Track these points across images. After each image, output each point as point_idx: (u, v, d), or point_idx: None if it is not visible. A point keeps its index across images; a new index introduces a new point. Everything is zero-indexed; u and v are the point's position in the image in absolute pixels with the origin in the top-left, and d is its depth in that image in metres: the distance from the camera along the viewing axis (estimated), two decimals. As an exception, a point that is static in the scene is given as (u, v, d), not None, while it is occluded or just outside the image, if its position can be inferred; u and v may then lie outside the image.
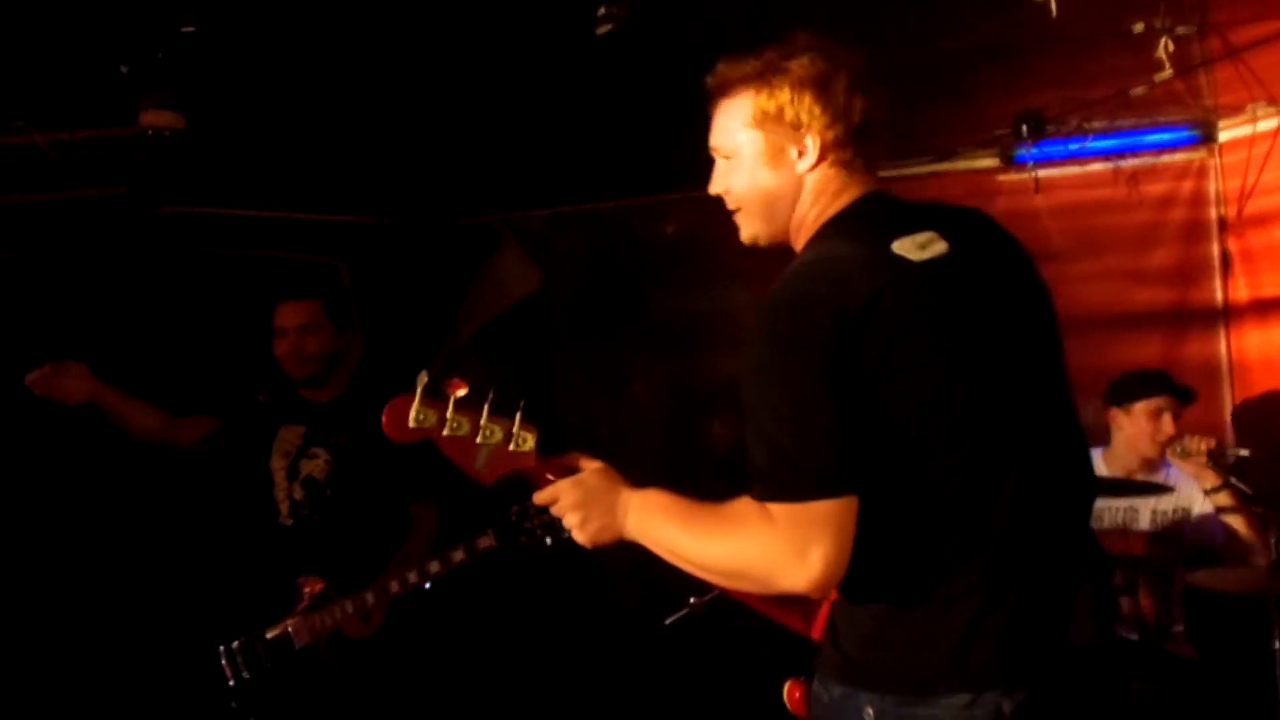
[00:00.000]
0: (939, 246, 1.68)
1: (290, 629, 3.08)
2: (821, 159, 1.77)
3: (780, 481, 1.57)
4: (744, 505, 1.62)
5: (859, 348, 1.57)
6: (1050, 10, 2.54)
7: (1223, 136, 4.04)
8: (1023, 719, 1.61)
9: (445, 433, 1.81)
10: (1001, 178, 4.27)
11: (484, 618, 4.48)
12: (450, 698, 4.15)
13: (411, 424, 1.80)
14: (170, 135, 2.78)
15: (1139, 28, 2.88)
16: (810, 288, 1.63)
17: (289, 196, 4.53)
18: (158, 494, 3.97)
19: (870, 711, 1.65)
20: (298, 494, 3.31)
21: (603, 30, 2.56)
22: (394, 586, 3.14)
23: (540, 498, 1.86)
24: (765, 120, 1.78)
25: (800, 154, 1.78)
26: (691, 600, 3.35)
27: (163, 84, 2.72)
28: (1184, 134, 4.08)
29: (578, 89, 3.44)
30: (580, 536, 1.83)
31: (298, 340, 3.34)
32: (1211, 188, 4.08)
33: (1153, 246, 4.14)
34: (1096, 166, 4.17)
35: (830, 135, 1.76)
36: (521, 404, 1.85)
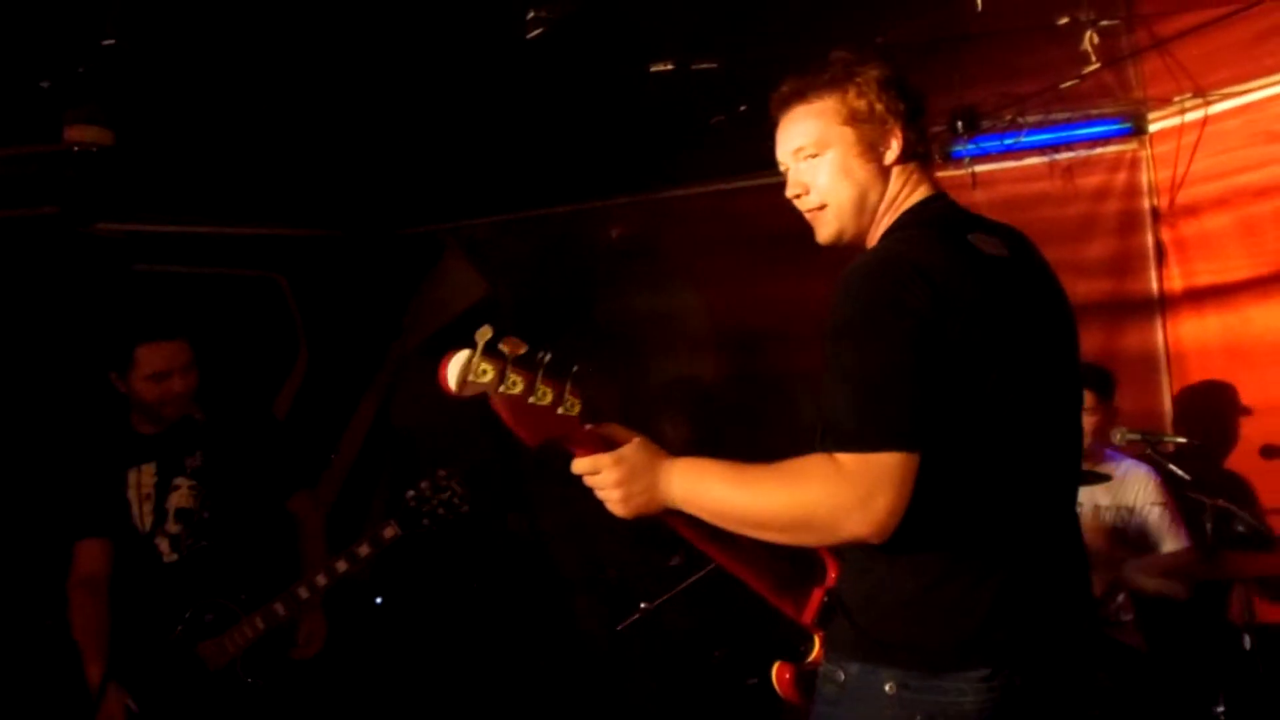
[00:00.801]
0: (1002, 250, 1.84)
1: (202, 654, 3.05)
2: (905, 152, 1.91)
3: (857, 432, 1.65)
4: (809, 459, 1.71)
5: (944, 321, 1.68)
6: (976, 4, 2.57)
7: (1153, 128, 4.11)
8: (1032, 694, 1.71)
9: (501, 389, 1.81)
10: (939, 174, 4.29)
11: (429, 625, 4.45)
12: (384, 708, 4.11)
13: (471, 377, 1.78)
14: (98, 151, 2.72)
15: (1064, 21, 2.92)
16: (905, 258, 1.74)
17: (227, 210, 4.47)
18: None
19: (891, 687, 1.72)
20: (174, 528, 3.16)
21: (532, 34, 2.56)
22: (303, 592, 3.11)
23: (579, 466, 1.89)
24: (856, 117, 1.90)
25: (887, 148, 1.91)
26: (642, 605, 3.37)
27: (85, 99, 2.67)
28: (1116, 126, 4.15)
29: (516, 96, 3.42)
30: (620, 510, 1.87)
31: (185, 379, 3.13)
32: (1144, 179, 4.15)
33: (1089, 238, 4.20)
34: (1032, 160, 4.23)
35: (908, 132, 1.91)
36: (573, 370, 1.86)
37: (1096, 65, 3.01)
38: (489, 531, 3.25)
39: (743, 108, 3.35)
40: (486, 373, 1.79)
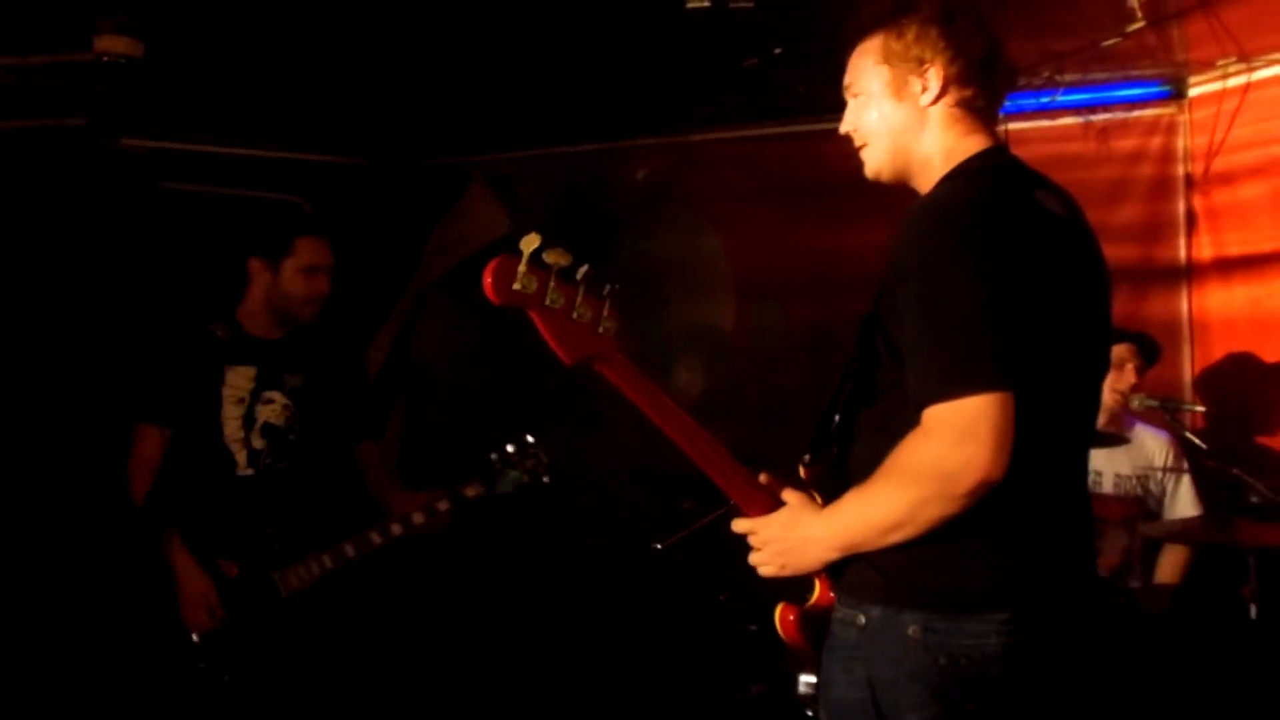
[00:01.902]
0: (1061, 209, 1.82)
1: (276, 578, 3.04)
2: (943, 94, 1.88)
3: (939, 381, 1.63)
4: (902, 446, 1.68)
5: (1010, 262, 1.66)
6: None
7: (1193, 92, 4.03)
8: (1051, 640, 1.74)
9: (545, 302, 1.79)
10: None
11: (448, 568, 4.49)
12: (418, 655, 4.15)
13: (516, 286, 1.76)
14: (127, 63, 2.70)
15: (1111, -26, 2.86)
16: (967, 198, 1.74)
17: (253, 132, 4.46)
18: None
19: (915, 630, 1.73)
20: (257, 443, 3.13)
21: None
22: (375, 538, 3.07)
23: (740, 527, 1.90)
24: (891, 55, 1.90)
25: (924, 88, 1.89)
26: (656, 545, 3.40)
27: (116, 7, 2.65)
28: (1155, 89, 4.08)
29: (550, 28, 3.38)
30: (768, 573, 1.87)
31: (326, 280, 3.14)
32: (1180, 144, 4.08)
33: (1120, 202, 4.14)
34: (1066, 120, 4.17)
35: (953, 70, 1.87)
36: (610, 289, 1.86)
37: (1141, 24, 2.95)
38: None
39: (777, 50, 3.30)
40: (530, 284, 1.77)
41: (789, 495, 1.88)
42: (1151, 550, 3.60)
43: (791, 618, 1.99)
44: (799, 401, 4.19)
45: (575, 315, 1.82)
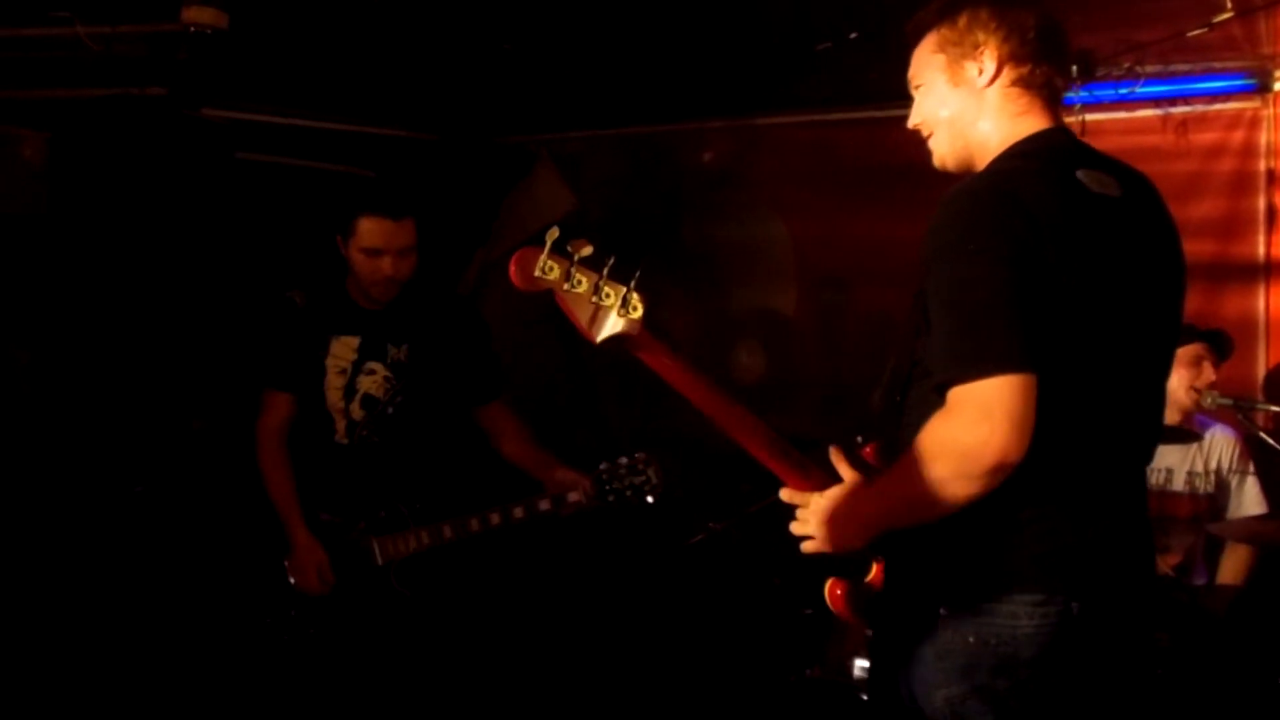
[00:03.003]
0: (1113, 189, 1.81)
1: (375, 544, 3.07)
2: (998, 74, 1.88)
3: (958, 362, 1.65)
4: (927, 426, 1.69)
5: (1041, 247, 1.67)
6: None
7: (1278, 85, 3.93)
8: (1091, 625, 1.72)
9: (566, 287, 1.86)
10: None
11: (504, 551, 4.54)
12: (488, 638, 4.19)
13: (537, 273, 1.85)
14: (212, 34, 2.77)
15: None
16: (1004, 187, 1.74)
17: (329, 105, 4.53)
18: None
19: (945, 609, 1.75)
20: (356, 413, 3.13)
21: None
22: (474, 524, 3.07)
23: (787, 496, 1.93)
24: (946, 43, 1.92)
25: (980, 70, 1.89)
26: (711, 525, 3.41)
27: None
28: (1239, 82, 3.97)
29: (624, 11, 3.39)
30: (810, 548, 1.89)
31: (397, 263, 3.04)
32: (1263, 139, 3.98)
33: (1197, 197, 4.05)
34: (1145, 112, 4.08)
35: (1007, 49, 1.88)
36: (637, 273, 1.90)
37: (1229, 14, 2.88)
38: (559, 447, 3.28)
39: (853, 35, 3.27)
40: (553, 270, 1.85)
41: (844, 470, 1.89)
42: (1216, 549, 3.55)
43: (839, 591, 2.02)
44: (861, 389, 4.17)
45: (599, 298, 1.87)
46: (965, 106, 1.91)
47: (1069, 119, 4.03)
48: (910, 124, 2.02)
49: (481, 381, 3.29)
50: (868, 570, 2.00)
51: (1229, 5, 2.85)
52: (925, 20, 1.97)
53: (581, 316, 1.89)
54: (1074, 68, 3.72)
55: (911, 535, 1.78)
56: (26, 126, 3.96)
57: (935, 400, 1.72)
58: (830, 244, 4.66)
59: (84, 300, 3.94)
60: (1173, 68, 3.88)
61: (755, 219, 4.73)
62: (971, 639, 1.72)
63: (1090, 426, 1.75)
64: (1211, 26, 3.14)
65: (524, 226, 5.04)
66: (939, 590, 1.77)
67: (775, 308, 4.83)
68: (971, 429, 1.62)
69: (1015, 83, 1.89)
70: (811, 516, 1.88)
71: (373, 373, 3.13)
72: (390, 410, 3.14)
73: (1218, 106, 4.03)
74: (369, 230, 3.03)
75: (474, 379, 3.27)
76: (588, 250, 1.87)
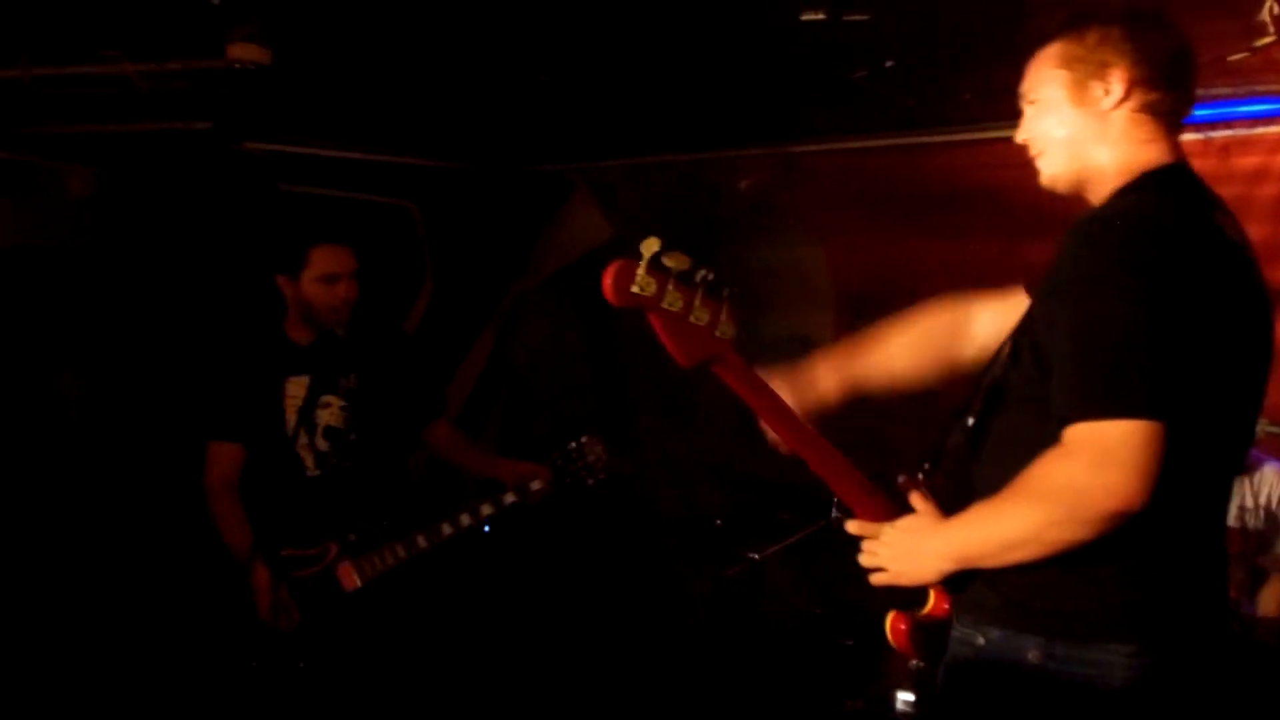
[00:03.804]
0: (1238, 235, 1.76)
1: (338, 573, 3.12)
2: (1127, 97, 1.78)
3: (1091, 399, 1.56)
4: (1038, 462, 1.61)
5: (1185, 293, 1.60)
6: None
7: (1322, 110, 3.89)
8: (1185, 678, 1.67)
9: (663, 305, 1.78)
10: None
11: (529, 569, 4.55)
12: (497, 647, 4.21)
13: (635, 289, 1.74)
14: (256, 70, 2.81)
15: (1247, -12, 2.77)
16: (1150, 223, 1.65)
17: (366, 137, 4.58)
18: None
19: (1035, 655, 1.68)
20: (322, 445, 3.24)
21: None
22: (446, 528, 3.16)
23: (855, 529, 1.88)
24: (1072, 59, 1.82)
25: (1106, 91, 1.79)
26: (752, 555, 3.40)
27: (250, 17, 2.76)
28: (1281, 105, 3.94)
29: (659, 40, 3.41)
30: (884, 580, 1.84)
31: (350, 287, 3.20)
32: (1307, 163, 3.94)
33: (1240, 222, 4.01)
34: (1187, 136, 4.02)
35: (1137, 73, 1.78)
36: (728, 292, 1.84)
37: (1271, 39, 2.85)
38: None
39: (889, 63, 3.27)
40: (649, 286, 1.75)
41: (918, 502, 1.83)
42: (1257, 581, 3.49)
43: (903, 627, 1.94)
44: (893, 417, 4.14)
45: (693, 318, 1.80)
46: (1085, 128, 1.81)
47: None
48: (1018, 139, 1.93)
49: (427, 401, 3.44)
50: (925, 602, 1.95)
51: (1271, 30, 2.82)
52: (1049, 32, 1.87)
53: (674, 338, 1.80)
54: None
55: (995, 573, 1.72)
56: (75, 160, 4.05)
57: (1029, 434, 1.66)
58: (867, 270, 4.64)
59: (130, 328, 4.01)
60: (1214, 91, 3.84)
61: (792, 246, 4.73)
62: (1063, 687, 1.66)
63: (1199, 477, 1.69)
64: (1254, 51, 3.11)
65: (560, 255, 5.07)
66: (1026, 633, 1.70)
67: (813, 334, 4.81)
68: (1095, 472, 1.54)
69: (1142, 109, 1.79)
70: (883, 549, 1.83)
71: (328, 405, 3.24)
72: (353, 436, 3.24)
73: (1260, 130, 3.98)
74: (324, 258, 3.17)
75: (419, 399, 3.41)
76: (686, 264, 1.78)
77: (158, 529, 3.88)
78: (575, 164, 5.16)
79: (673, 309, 1.79)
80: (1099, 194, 1.83)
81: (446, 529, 3.17)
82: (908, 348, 2.22)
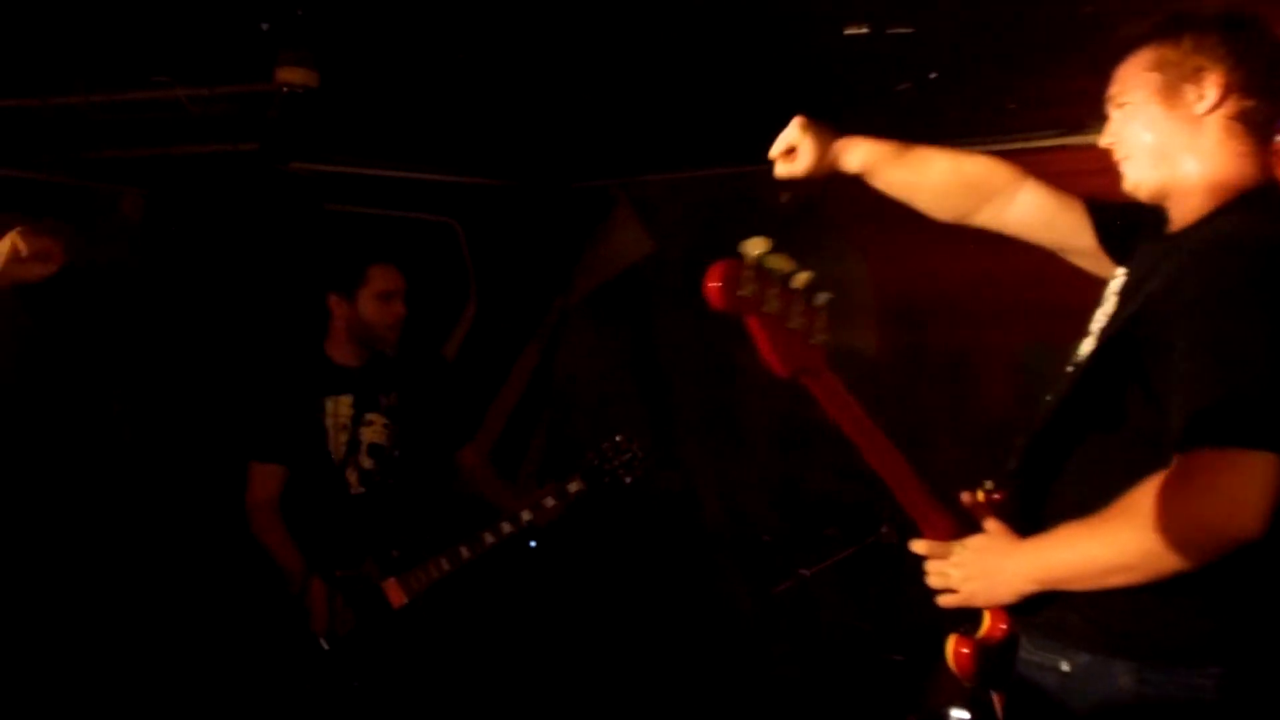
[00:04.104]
0: None
1: (385, 589, 3.15)
2: (1221, 103, 1.73)
3: (1224, 421, 1.49)
4: (1145, 481, 1.55)
5: None
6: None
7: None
8: (1270, 697, 1.62)
9: (764, 309, 1.72)
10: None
11: (579, 582, 4.55)
12: (543, 661, 4.22)
13: (742, 291, 1.68)
14: (304, 93, 2.85)
15: None
16: (1277, 246, 1.58)
17: (410, 156, 4.62)
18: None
19: (1127, 680, 1.64)
20: (366, 463, 3.27)
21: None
22: (488, 538, 3.19)
23: (920, 548, 1.83)
24: (1165, 63, 1.77)
25: (1200, 96, 1.74)
26: (802, 571, 3.37)
27: (299, 42, 2.80)
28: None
29: (695, 54, 3.42)
30: (954, 601, 1.80)
31: (401, 303, 3.28)
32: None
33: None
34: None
35: (1234, 78, 1.72)
36: (825, 300, 1.79)
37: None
38: (640, 489, 3.33)
39: (932, 75, 3.25)
40: (752, 288, 1.69)
41: (990, 523, 1.79)
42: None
43: (966, 651, 1.89)
44: (936, 429, 4.11)
45: (791, 325, 1.74)
46: (1175, 134, 1.76)
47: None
48: (1103, 143, 1.87)
49: (459, 425, 3.49)
50: (980, 624, 1.90)
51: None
52: (1141, 33, 1.81)
53: (773, 344, 1.73)
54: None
55: (1077, 595, 1.68)
56: (125, 183, 4.12)
57: (1118, 456, 1.62)
58: (911, 283, 4.61)
59: (177, 348, 4.06)
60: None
61: (835, 259, 4.70)
62: (1156, 711, 1.62)
63: None
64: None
65: (602, 271, 5.08)
66: (1117, 657, 1.66)
67: (856, 347, 4.79)
68: (1219, 500, 1.48)
69: (1237, 117, 1.73)
70: (955, 569, 1.78)
71: (371, 423, 3.28)
72: (397, 453, 3.29)
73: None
74: (381, 276, 3.26)
75: (454, 422, 3.45)
76: (789, 266, 1.73)
77: (204, 548, 3.92)
78: (617, 179, 5.17)
79: (773, 313, 1.73)
80: (1184, 206, 1.77)
81: (489, 538, 3.19)
82: (944, 173, 2.22)
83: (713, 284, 1.69)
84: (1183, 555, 1.52)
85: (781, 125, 4.48)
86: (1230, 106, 1.73)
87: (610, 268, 5.09)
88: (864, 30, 2.72)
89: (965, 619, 1.90)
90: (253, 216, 4.19)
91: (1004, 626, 1.86)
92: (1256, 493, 1.47)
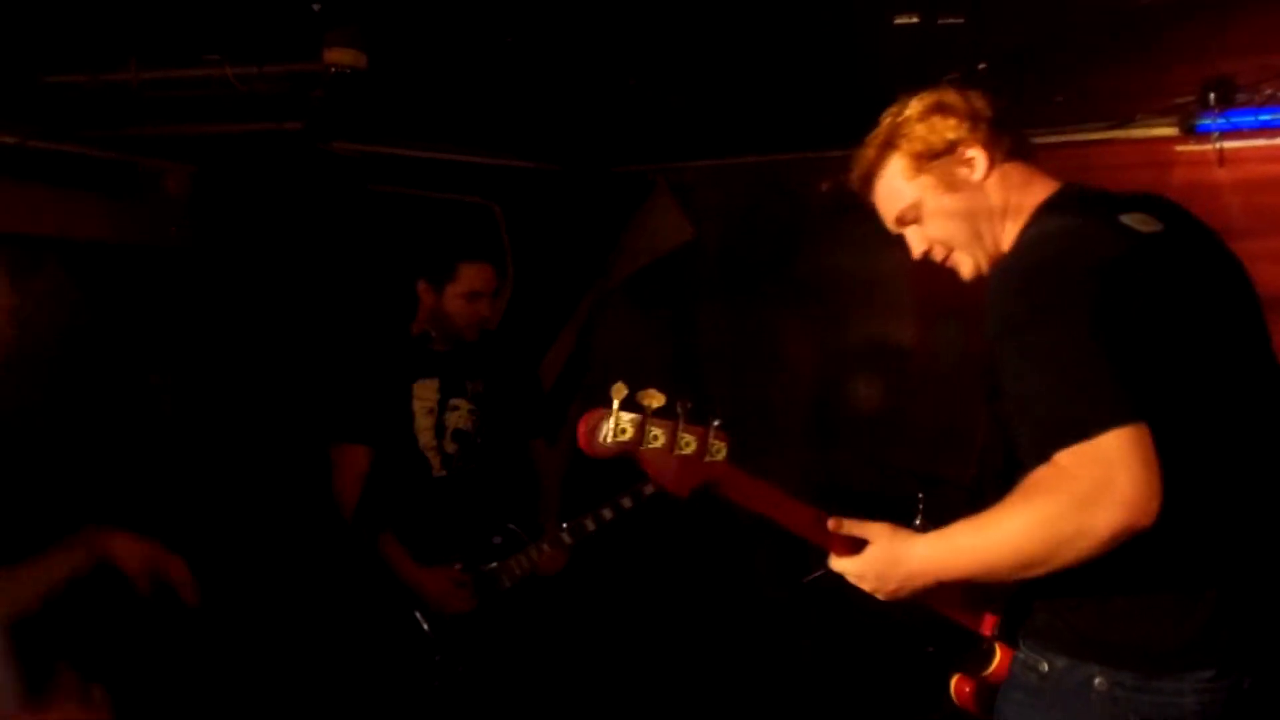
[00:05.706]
0: (1155, 225, 1.72)
1: (498, 571, 3.19)
2: (990, 160, 1.86)
3: (1063, 427, 1.54)
4: (1030, 477, 1.59)
5: (1115, 297, 1.59)
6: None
7: None
8: (1261, 697, 1.64)
9: (644, 447, 1.79)
10: (1180, 148, 4.06)
11: (612, 572, 4.57)
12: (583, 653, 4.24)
13: (611, 440, 1.78)
14: (350, 73, 2.88)
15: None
16: (1060, 247, 1.68)
17: (456, 137, 4.65)
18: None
19: (1100, 683, 1.66)
20: (450, 447, 3.27)
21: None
22: (567, 537, 3.26)
23: (838, 566, 1.90)
24: (922, 162, 1.89)
25: (971, 167, 1.86)
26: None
27: (349, 21, 2.82)
28: (1388, 108, 3.80)
29: (737, 40, 3.41)
30: (883, 598, 1.87)
31: (491, 306, 3.28)
32: None
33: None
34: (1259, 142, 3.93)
35: (981, 134, 1.86)
36: (715, 414, 1.87)
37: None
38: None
39: (981, 66, 3.23)
40: (626, 431, 1.78)
41: (857, 528, 1.87)
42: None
43: (967, 690, 1.97)
44: (973, 425, 4.09)
45: (679, 450, 1.80)
46: (976, 206, 1.86)
47: (1203, 146, 3.93)
48: (916, 255, 1.97)
49: (537, 414, 3.53)
50: (990, 662, 1.95)
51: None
52: (870, 158, 1.96)
53: (663, 473, 1.82)
54: (1210, 94, 3.63)
55: (1061, 602, 1.71)
56: (172, 159, 4.17)
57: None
58: (949, 277, 4.58)
59: (226, 325, 4.11)
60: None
61: (874, 250, 4.68)
62: (1133, 717, 1.64)
63: (1229, 484, 1.65)
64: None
65: (641, 255, 5.09)
66: (1092, 662, 1.68)
67: (893, 340, 4.77)
68: (1092, 490, 1.50)
69: (1003, 160, 1.87)
70: (866, 581, 1.86)
71: (457, 408, 3.28)
72: (479, 440, 3.30)
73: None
74: (472, 275, 3.22)
75: (532, 411, 3.50)
76: (660, 401, 1.80)
77: (257, 539, 3.94)
78: (657, 164, 5.17)
79: (655, 446, 1.79)
80: (1009, 242, 1.87)
81: (590, 524, 3.23)
82: None
83: (581, 433, 1.80)
84: (1063, 554, 1.54)
85: (826, 113, 4.48)
86: (996, 157, 1.85)
87: (648, 253, 5.09)
88: (913, 19, 2.71)
89: (969, 650, 1.96)
90: (296, 195, 4.23)
91: (1010, 665, 1.88)
92: (1138, 460, 1.49)
